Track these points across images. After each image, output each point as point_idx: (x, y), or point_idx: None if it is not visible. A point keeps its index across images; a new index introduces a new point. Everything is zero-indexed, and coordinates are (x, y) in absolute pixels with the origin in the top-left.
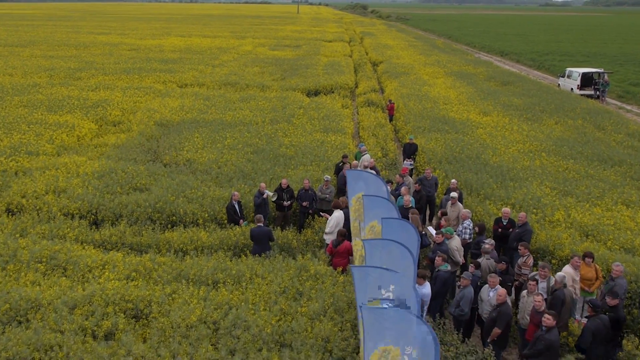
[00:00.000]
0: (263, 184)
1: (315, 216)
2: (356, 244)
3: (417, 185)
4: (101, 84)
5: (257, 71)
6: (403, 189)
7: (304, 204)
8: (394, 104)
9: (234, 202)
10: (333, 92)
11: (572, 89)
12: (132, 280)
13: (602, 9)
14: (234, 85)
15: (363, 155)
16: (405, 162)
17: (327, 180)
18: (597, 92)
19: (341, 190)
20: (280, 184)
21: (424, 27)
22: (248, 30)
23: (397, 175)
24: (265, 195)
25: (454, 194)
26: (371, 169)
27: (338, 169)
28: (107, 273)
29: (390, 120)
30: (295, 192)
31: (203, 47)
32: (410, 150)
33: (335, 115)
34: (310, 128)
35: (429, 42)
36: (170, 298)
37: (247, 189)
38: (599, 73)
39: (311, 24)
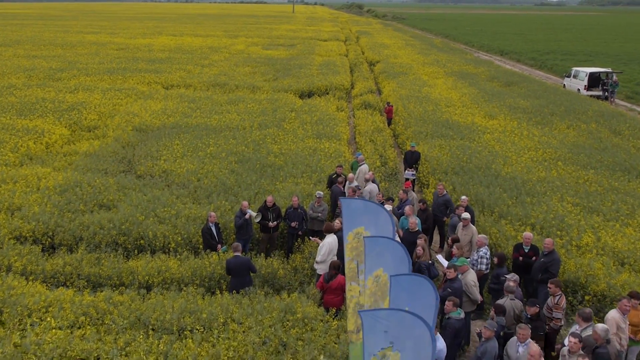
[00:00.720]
0: (245, 203)
1: (306, 238)
2: (352, 290)
3: (421, 203)
4: (81, 85)
5: (248, 71)
6: (407, 209)
7: (293, 224)
8: (392, 106)
9: (211, 224)
10: (327, 94)
11: (578, 89)
12: (79, 327)
13: (597, 9)
14: (222, 86)
15: (360, 165)
16: (406, 172)
17: (319, 197)
18: (606, 93)
19: (335, 206)
20: (265, 201)
21: (421, 26)
22: (241, 29)
23: (401, 191)
24: (247, 216)
25: (465, 215)
26: (372, 182)
27: (331, 182)
28: (49, 318)
29: (389, 124)
30: (283, 211)
31: (194, 47)
32: (412, 159)
33: (330, 119)
34: (302, 134)
35: (426, 41)
36: (123, 353)
37: (228, 207)
38: (606, 73)
39: (306, 23)
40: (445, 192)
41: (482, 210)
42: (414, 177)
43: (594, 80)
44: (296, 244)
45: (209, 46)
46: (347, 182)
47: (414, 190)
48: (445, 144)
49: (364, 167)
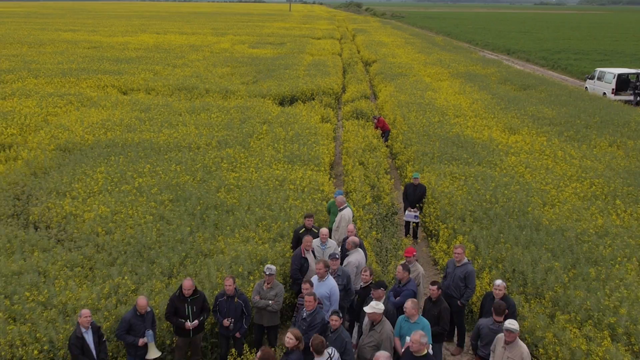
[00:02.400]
0: (143, 300)
1: (245, 345)
2: None
3: (434, 288)
4: (22, 89)
5: (226, 72)
6: (410, 305)
7: (226, 322)
8: (380, 117)
9: (84, 329)
10: (313, 99)
11: (604, 93)
12: None
13: (598, 7)
14: (190, 90)
15: (341, 210)
16: (407, 213)
17: (269, 275)
18: (638, 98)
19: (296, 282)
20: (181, 287)
21: (421, 24)
22: (231, 27)
23: (399, 267)
24: (141, 343)
25: (511, 326)
26: (358, 247)
27: (297, 239)
28: None
29: (385, 139)
30: (211, 296)
31: (174, 45)
32: (414, 196)
33: (310, 134)
34: (270, 157)
35: (427, 39)
36: None
37: (132, 285)
38: (637, 74)
39: (301, 21)
40: (466, 259)
41: (525, 294)
42: (417, 220)
43: (623, 83)
44: (233, 353)
45: (191, 44)
46: (319, 243)
47: (416, 239)
48: (458, 171)
49: (347, 213)
